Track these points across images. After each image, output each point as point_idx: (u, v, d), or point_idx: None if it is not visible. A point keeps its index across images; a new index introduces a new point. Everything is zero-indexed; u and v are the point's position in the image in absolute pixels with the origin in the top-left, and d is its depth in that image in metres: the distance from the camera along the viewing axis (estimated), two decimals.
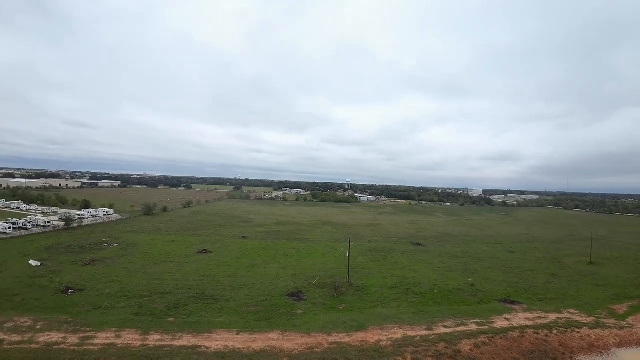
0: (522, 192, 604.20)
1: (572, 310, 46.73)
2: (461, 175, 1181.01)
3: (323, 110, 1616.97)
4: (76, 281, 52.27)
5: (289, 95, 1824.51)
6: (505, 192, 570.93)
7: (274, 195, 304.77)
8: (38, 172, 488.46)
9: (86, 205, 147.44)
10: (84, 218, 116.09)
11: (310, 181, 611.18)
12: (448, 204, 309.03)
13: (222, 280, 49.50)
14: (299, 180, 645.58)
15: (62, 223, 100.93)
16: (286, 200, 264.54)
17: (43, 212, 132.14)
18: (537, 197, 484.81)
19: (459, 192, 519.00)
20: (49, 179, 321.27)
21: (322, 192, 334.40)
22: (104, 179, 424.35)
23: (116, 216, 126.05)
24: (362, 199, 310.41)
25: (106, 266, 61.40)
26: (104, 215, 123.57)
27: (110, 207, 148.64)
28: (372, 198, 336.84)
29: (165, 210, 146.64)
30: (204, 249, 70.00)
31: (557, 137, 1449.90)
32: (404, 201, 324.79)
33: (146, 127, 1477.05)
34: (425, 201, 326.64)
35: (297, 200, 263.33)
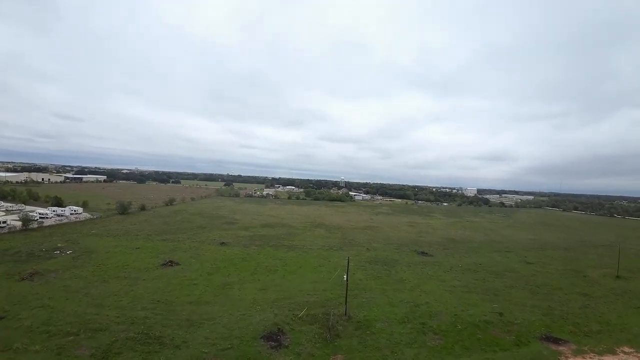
0: (516, 192, 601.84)
1: (625, 349, 36.80)
2: (454, 174, 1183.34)
3: (319, 105, 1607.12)
4: (1, 304, 40.54)
5: (284, 90, 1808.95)
6: (499, 192, 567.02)
7: (264, 192, 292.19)
8: (26, 165, 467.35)
9: (57, 202, 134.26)
10: (47, 218, 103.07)
11: (304, 178, 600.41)
12: (445, 203, 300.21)
13: (180, 310, 37.67)
14: (292, 177, 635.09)
15: (20, 223, 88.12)
16: (277, 198, 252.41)
17: (7, 210, 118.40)
18: (532, 197, 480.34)
19: (454, 191, 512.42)
20: (32, 173, 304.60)
21: (316, 190, 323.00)
22: (91, 174, 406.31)
23: (85, 215, 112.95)
24: (356, 197, 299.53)
25: (45, 282, 49.52)
26: (70, 214, 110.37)
27: (83, 204, 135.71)
28: (367, 197, 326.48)
29: (143, 208, 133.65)
30: (170, 260, 57.83)
31: (552, 137, 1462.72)
32: (399, 200, 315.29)
33: (138, 121, 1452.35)
34: (421, 200, 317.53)
35: (289, 198, 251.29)
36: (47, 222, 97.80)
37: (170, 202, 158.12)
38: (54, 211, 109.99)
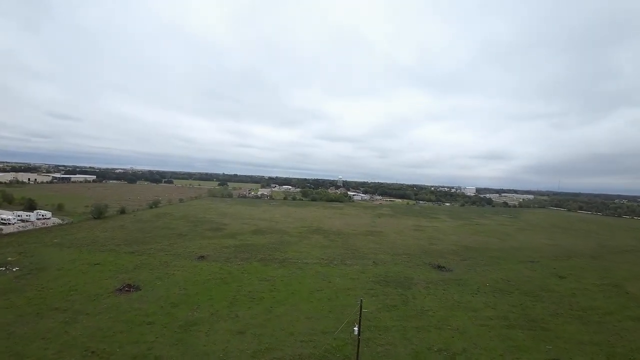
0: (515, 191, 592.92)
1: None
2: (451, 173, 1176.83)
3: (317, 104, 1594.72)
4: None
5: (282, 88, 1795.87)
6: (498, 191, 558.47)
7: (259, 193, 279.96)
8: (17, 165, 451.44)
9: (30, 205, 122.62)
10: (9, 224, 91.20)
11: (301, 178, 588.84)
12: (447, 203, 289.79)
13: None
14: (289, 177, 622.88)
15: None
16: (273, 198, 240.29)
17: None
18: (532, 196, 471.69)
19: (453, 190, 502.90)
20: (19, 173, 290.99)
21: (313, 190, 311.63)
22: (82, 173, 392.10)
23: (54, 220, 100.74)
24: (355, 197, 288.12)
25: None
26: (37, 219, 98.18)
27: (58, 207, 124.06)
28: (366, 197, 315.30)
29: (122, 212, 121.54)
30: (128, 284, 45.79)
31: (551, 136, 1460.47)
32: (399, 200, 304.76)
33: (135, 121, 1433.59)
34: (422, 200, 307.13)
35: (285, 198, 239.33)
36: (8, 229, 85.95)
37: (154, 205, 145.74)
38: (18, 216, 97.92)
